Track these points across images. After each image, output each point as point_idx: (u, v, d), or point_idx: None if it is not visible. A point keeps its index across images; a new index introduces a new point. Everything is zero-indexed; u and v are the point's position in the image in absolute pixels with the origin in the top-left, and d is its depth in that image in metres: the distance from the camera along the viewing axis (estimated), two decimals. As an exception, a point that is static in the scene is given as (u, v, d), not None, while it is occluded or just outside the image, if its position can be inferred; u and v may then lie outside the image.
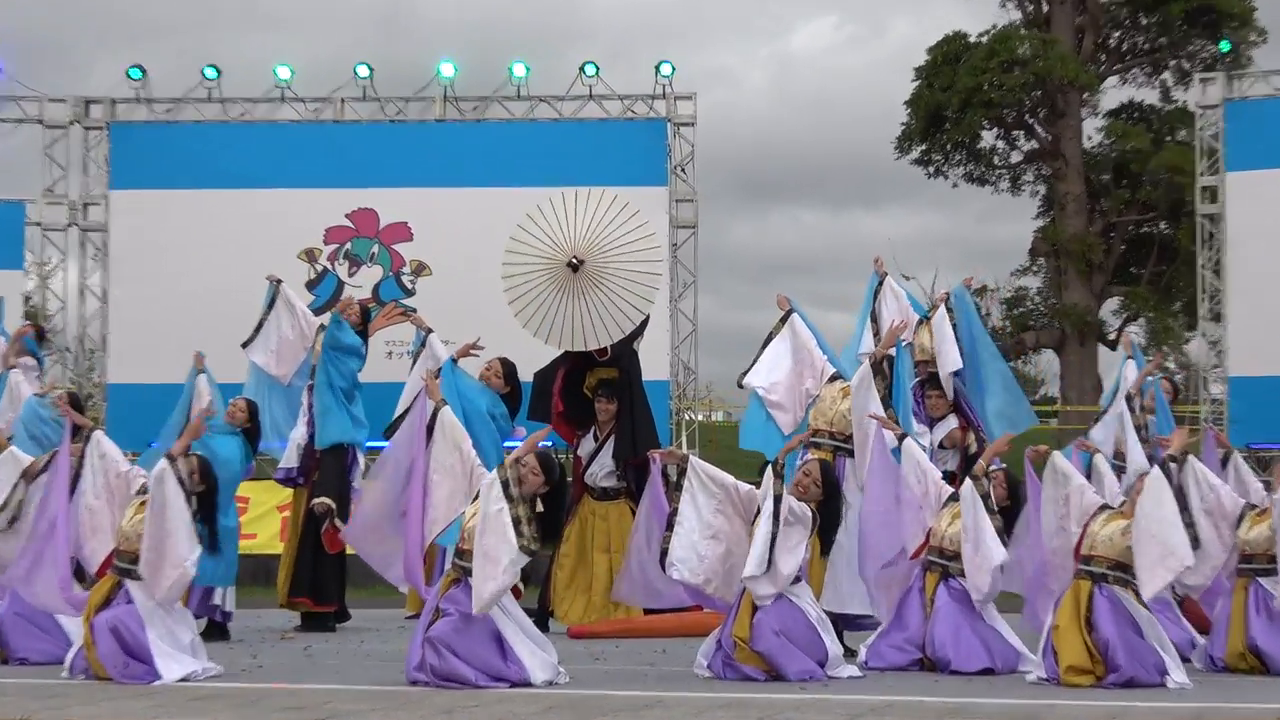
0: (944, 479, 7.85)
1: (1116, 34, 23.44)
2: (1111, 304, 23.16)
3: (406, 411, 8.73)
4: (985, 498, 7.37)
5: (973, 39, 22.32)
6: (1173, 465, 7.06)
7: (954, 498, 7.60)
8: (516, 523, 6.54)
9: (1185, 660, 7.20)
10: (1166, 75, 23.34)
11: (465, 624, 6.60)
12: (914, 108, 22.61)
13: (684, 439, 15.99)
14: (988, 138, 23.19)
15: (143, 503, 7.09)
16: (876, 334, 9.17)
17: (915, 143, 22.87)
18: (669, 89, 16.30)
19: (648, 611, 8.86)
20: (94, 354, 16.88)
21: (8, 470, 7.83)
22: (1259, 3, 21.99)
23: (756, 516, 7.00)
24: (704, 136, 17.77)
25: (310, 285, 15.91)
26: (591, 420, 9.81)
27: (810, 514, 7.06)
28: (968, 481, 7.47)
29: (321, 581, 9.80)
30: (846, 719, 5.62)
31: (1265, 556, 7.36)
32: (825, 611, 7.28)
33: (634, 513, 8.67)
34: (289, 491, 10.45)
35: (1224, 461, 8.30)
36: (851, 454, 8.33)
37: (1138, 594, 6.84)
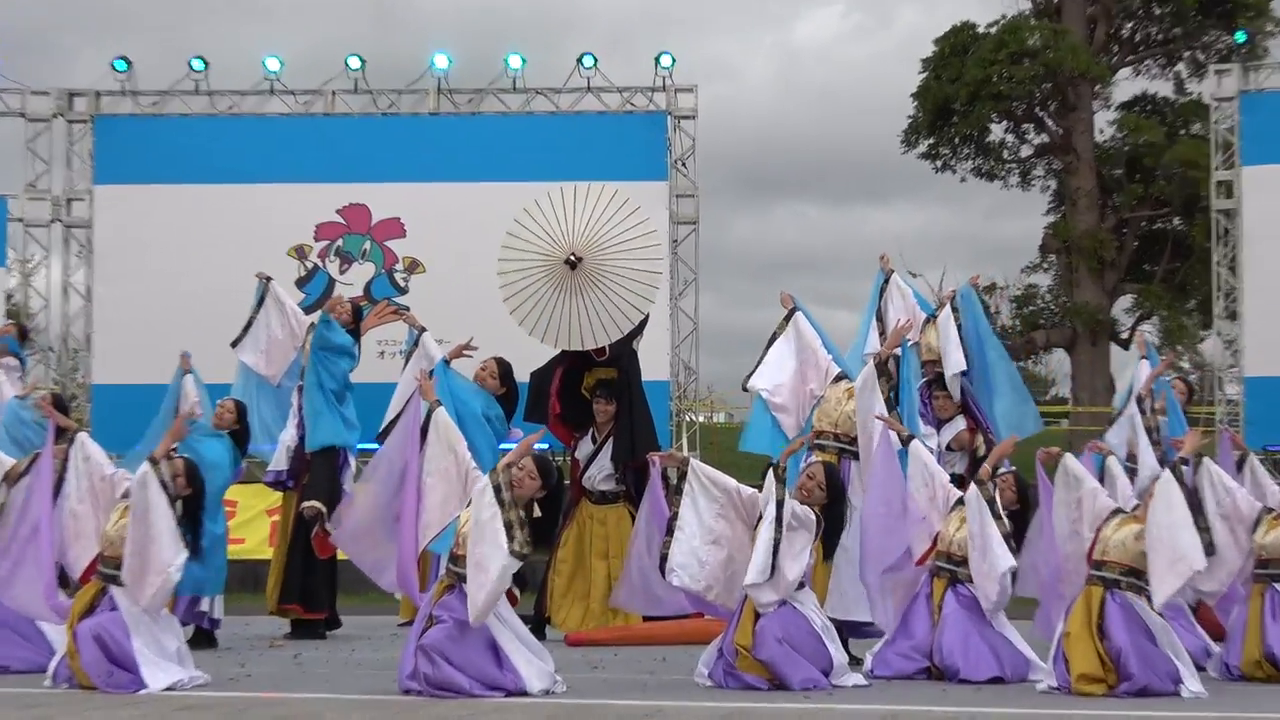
0: (952, 482, 7.85)
1: (1129, 24, 23.42)
2: (1124, 302, 23.15)
3: (400, 415, 8.71)
4: (991, 503, 7.37)
5: (981, 30, 22.30)
6: (1185, 468, 7.05)
7: (962, 501, 7.59)
8: (509, 527, 6.54)
9: (1200, 669, 7.20)
10: (1181, 67, 23.32)
11: (459, 631, 6.60)
12: (921, 100, 22.58)
13: (684, 441, 15.99)
14: (997, 131, 23.16)
15: (127, 507, 7.09)
16: (882, 333, 9.17)
17: (922, 136, 22.84)
18: (669, 81, 16.30)
19: (647, 618, 8.86)
20: (78, 354, 16.87)
21: (-11, 473, 7.82)
22: (1276, -8, 22.00)
23: (759, 521, 6.99)
24: (705, 130, 17.81)
25: (300, 283, 15.91)
26: (589, 422, 9.81)
27: (814, 518, 7.06)
28: (972, 487, 7.46)
29: (312, 588, 9.80)
30: (852, 729, 5.61)
31: (1283, 561, 7.36)
32: (829, 618, 7.28)
33: (633, 517, 8.68)
34: (278, 495, 10.44)
35: (1240, 464, 8.29)
36: (856, 456, 8.32)
37: (1151, 600, 6.83)
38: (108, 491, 7.44)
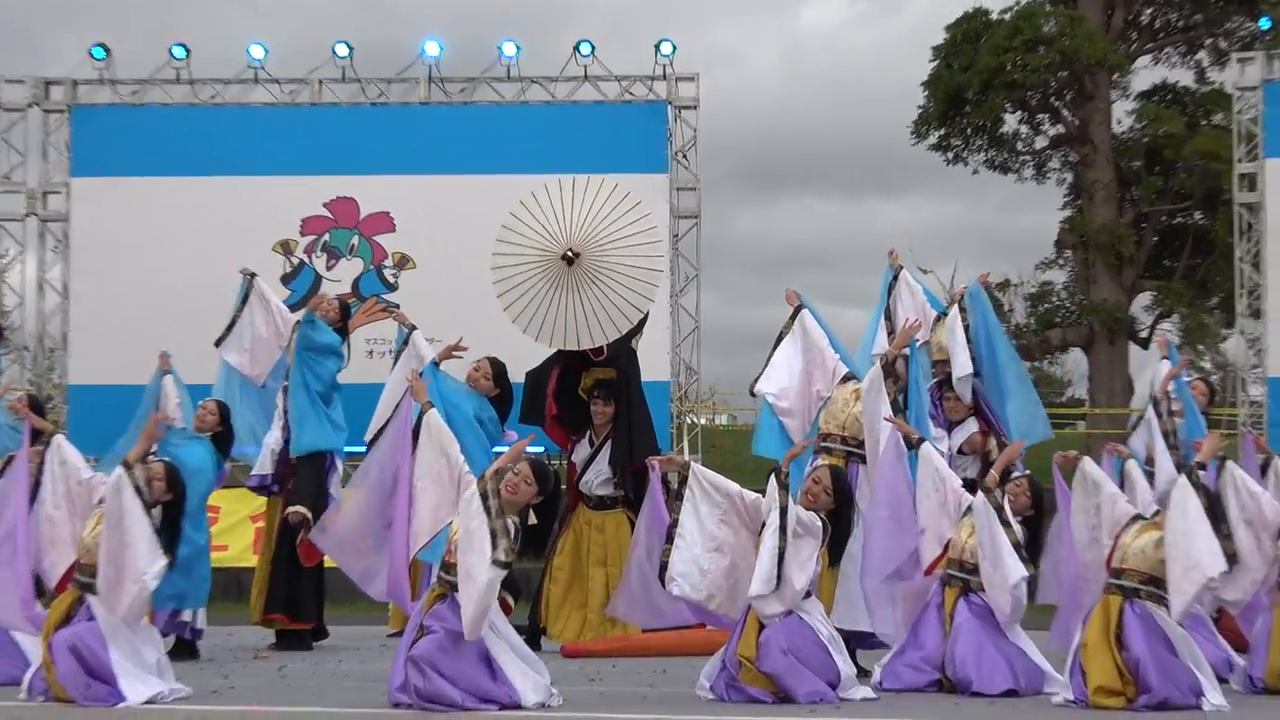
0: (964, 487, 7.84)
1: (1148, 10, 23.44)
2: (1143, 299, 23.17)
3: (391, 418, 8.70)
4: (999, 510, 7.37)
5: (994, 16, 22.32)
6: (1204, 472, 7.05)
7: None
8: (493, 535, 6.52)
9: (1222, 681, 7.20)
10: (1202, 54, 23.36)
11: (451, 642, 6.60)
12: (932, 89, 22.60)
13: (685, 444, 15.99)
14: (1011, 121, 23.19)
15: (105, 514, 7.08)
16: (891, 332, 9.17)
17: (933, 127, 22.86)
18: (670, 69, 16.30)
19: (646, 628, 8.85)
20: (54, 353, 16.85)
21: (-38, 478, 7.81)
22: (1301, -22, 22.01)
23: (763, 528, 6.99)
24: (707, 120, 17.76)
25: (286, 279, 15.91)
26: (587, 424, 9.81)
27: (820, 524, 7.06)
28: (979, 495, 7.46)
29: (297, 597, 9.79)
30: (860, 744, 5.62)
31: (1309, 570, 7.36)
32: (837, 628, 7.28)
33: (632, 523, 8.68)
34: (262, 500, 10.44)
35: (1264, 468, 8.30)
36: (864, 460, 8.33)
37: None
38: (85, 496, 7.44)
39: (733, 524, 7.13)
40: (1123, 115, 23.21)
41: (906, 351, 8.52)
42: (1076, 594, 7.22)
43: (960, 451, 8.97)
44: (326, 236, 16.14)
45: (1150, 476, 8.63)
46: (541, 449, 11.55)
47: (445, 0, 40.52)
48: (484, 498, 6.62)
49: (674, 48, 16.23)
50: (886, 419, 8.02)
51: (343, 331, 10.05)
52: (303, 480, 9.64)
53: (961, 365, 8.97)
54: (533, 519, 6.96)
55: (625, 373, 9.80)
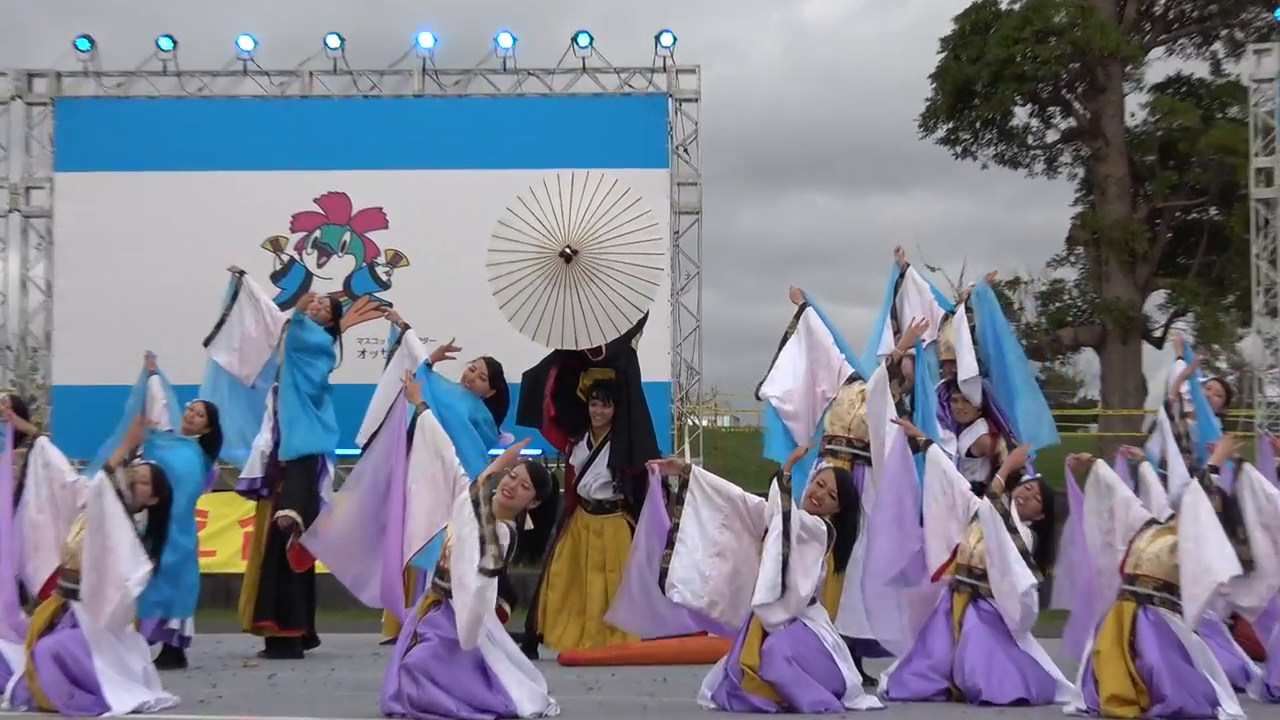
0: (973, 490, 7.84)
1: (1162, 0, 23.44)
2: (1157, 298, 23.16)
3: (385, 421, 8.70)
4: (1006, 516, 7.37)
5: (1004, 6, 22.31)
6: (1216, 475, 7.04)
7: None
8: (482, 542, 6.52)
9: (1239, 690, 7.19)
10: (1218, 46, 23.34)
11: (446, 650, 6.59)
12: (940, 81, 22.59)
13: (686, 446, 16.00)
14: (1021, 115, 23.18)
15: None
16: (897, 332, 9.17)
17: (941, 120, 22.85)
18: (670, 61, 16.32)
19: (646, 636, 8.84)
20: (37, 353, 16.86)
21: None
22: (1320, -34, 22.01)
23: (766, 534, 6.98)
24: (708, 113, 17.80)
25: (275, 277, 15.92)
26: (585, 426, 9.81)
27: (825, 528, 7.06)
28: (985, 501, 7.46)
29: (288, 603, 9.79)
30: (866, 755, 5.62)
31: (1328, 576, 7.35)
32: (842, 636, 7.27)
33: (632, 528, 8.68)
34: (252, 504, 10.43)
35: (1281, 471, 8.29)
36: (870, 462, 8.33)
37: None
38: (68, 500, 7.44)
39: (735, 529, 7.13)
40: (1136, 108, 23.23)
41: (913, 352, 8.51)
42: (1089, 600, 7.22)
43: (969, 454, 8.97)
44: (317, 233, 16.14)
45: (1165, 480, 8.63)
46: (539, 451, 11.57)
47: (439, -11, 40.53)
48: (475, 504, 6.61)
49: (674, 39, 16.26)
50: (893, 421, 8.02)
51: (334, 331, 10.05)
52: (293, 484, 9.64)
53: (966, 368, 8.97)
54: (529, 524, 6.95)
55: (625, 373, 9.79)
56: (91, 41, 16.38)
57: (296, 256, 16.10)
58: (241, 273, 10.47)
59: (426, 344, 10.00)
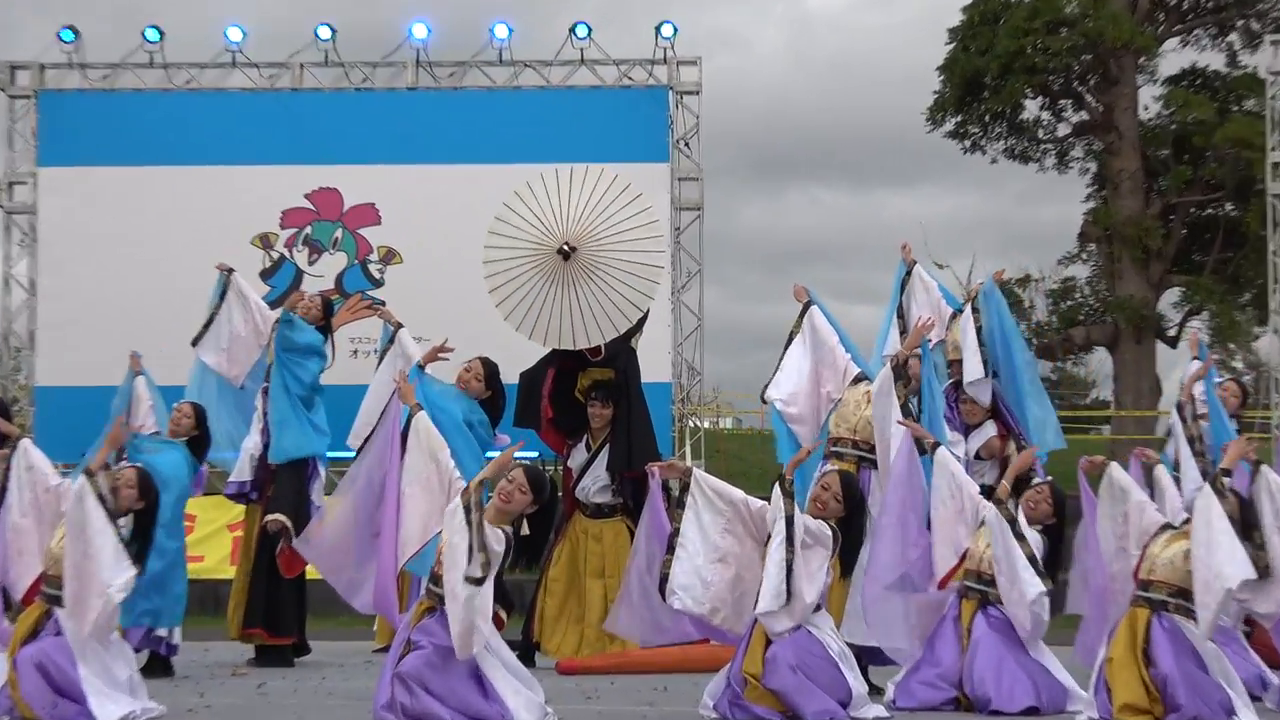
0: (982, 493, 7.84)
1: (1177, -10, 23.48)
2: (1171, 295, 23.19)
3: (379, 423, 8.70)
4: (1013, 523, 7.37)
5: (1014, -4, 22.35)
6: (1227, 478, 7.02)
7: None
8: (470, 550, 6.51)
9: (1255, 699, 7.20)
10: (1233, 36, 23.36)
11: (440, 658, 6.59)
12: (948, 74, 22.62)
13: (687, 449, 16.00)
14: (1031, 108, 23.23)
15: (73, 523, 7.08)
16: (904, 330, 9.17)
17: (949, 113, 22.89)
18: (671, 53, 16.33)
19: (646, 644, 8.85)
20: (20, 352, 16.88)
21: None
22: (1338, -45, 22.03)
23: (769, 539, 6.98)
24: (710, 106, 17.76)
25: (265, 275, 15.93)
26: (584, 427, 9.81)
27: (830, 533, 7.05)
28: (991, 507, 7.46)
29: (278, 610, 9.79)
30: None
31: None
32: (848, 643, 7.27)
33: (631, 532, 8.68)
34: (241, 509, 10.44)
35: (1299, 473, 8.28)
36: (877, 465, 8.33)
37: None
38: (52, 504, 7.43)
39: (737, 533, 7.12)
40: (1150, 101, 23.25)
41: (919, 352, 8.51)
42: (1102, 606, 7.22)
43: (978, 456, 8.97)
44: (308, 230, 16.15)
45: (1179, 483, 8.63)
46: (536, 454, 11.57)
47: (433, -21, 40.46)
48: (467, 510, 6.60)
49: (675, 30, 16.27)
50: (900, 422, 8.02)
51: (326, 330, 10.04)
52: (283, 487, 9.64)
53: (972, 370, 8.97)
54: (525, 529, 6.94)
55: (624, 373, 9.79)
56: (76, 33, 16.38)
57: (287, 254, 16.10)
58: (230, 270, 10.47)
59: (420, 343, 10.00)
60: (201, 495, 10.99)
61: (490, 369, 9.65)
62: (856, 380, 8.70)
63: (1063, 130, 23.59)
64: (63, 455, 9.17)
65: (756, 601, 6.92)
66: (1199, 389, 9.41)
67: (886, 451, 8.12)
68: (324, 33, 16.35)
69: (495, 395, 9.61)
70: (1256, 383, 21.38)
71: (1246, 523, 6.85)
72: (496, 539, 6.60)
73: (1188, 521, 7.09)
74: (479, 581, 6.46)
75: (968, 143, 23.28)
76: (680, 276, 16.17)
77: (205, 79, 16.56)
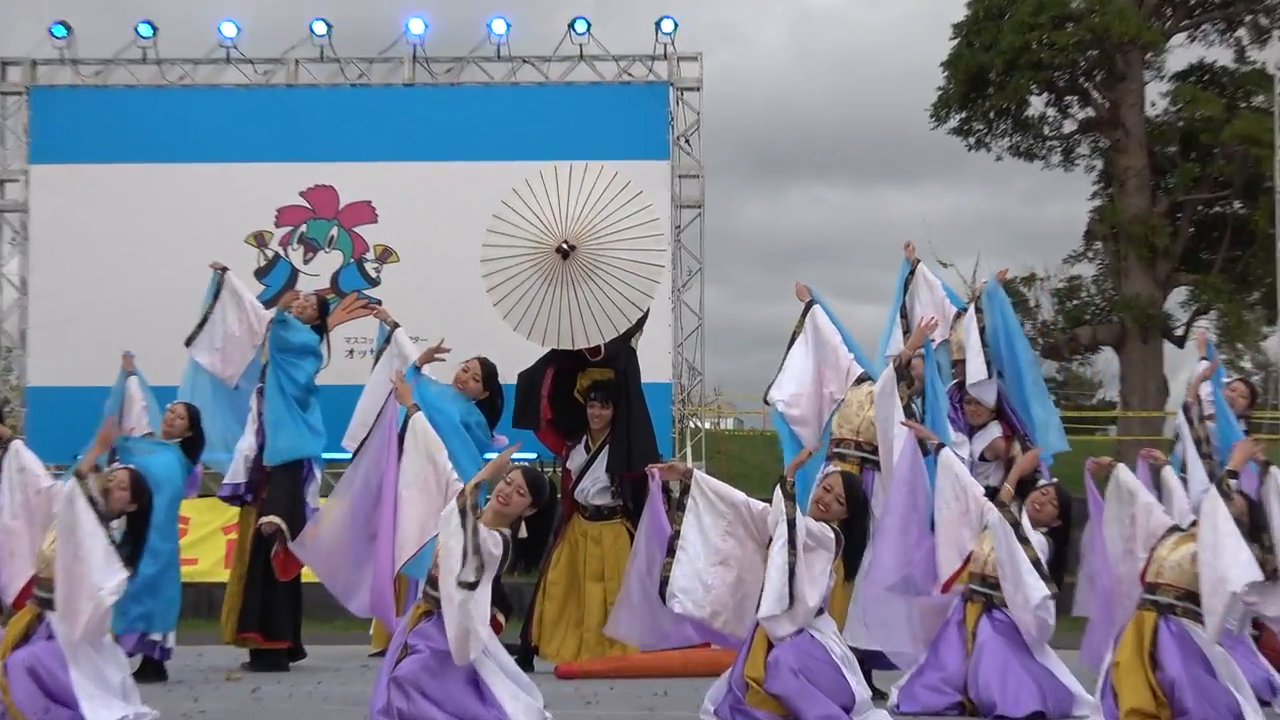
0: (986, 495, 7.84)
1: (1184, -16, 23.47)
2: (1179, 295, 23.19)
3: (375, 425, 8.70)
4: (1016, 526, 7.37)
5: (1019, -9, 22.33)
6: (1233, 481, 7.02)
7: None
8: (464, 555, 6.50)
9: (1264, 704, 7.21)
10: (1242, 32, 23.34)
11: (437, 662, 6.59)
12: (952, 69, 22.61)
13: (688, 450, 16.00)
14: (1036, 104, 23.21)
15: (64, 526, 7.08)
16: (908, 330, 9.17)
17: (953, 110, 22.88)
18: (671, 48, 16.33)
19: (646, 648, 8.84)
20: (11, 352, 16.88)
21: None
22: (1348, -51, 22.03)
23: (771, 543, 6.98)
24: (711, 103, 17.80)
25: (260, 274, 15.93)
26: (583, 428, 9.81)
27: (832, 535, 7.05)
28: (994, 510, 7.45)
29: (273, 614, 9.79)
30: (876, 772, 5.62)
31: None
32: (850, 647, 7.27)
33: (631, 535, 8.68)
34: (234, 511, 10.44)
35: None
36: (880, 466, 8.33)
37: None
38: (44, 506, 7.43)
39: (739, 536, 7.12)
40: (1156, 97, 23.24)
41: (922, 352, 8.52)
42: (1109, 610, 7.22)
43: (982, 458, 8.96)
44: (303, 228, 16.15)
45: (1187, 485, 8.63)
46: (534, 455, 11.57)
47: (430, -26, 40.48)
48: (462, 513, 6.60)
49: (675, 25, 16.27)
50: (903, 423, 8.01)
51: (321, 329, 10.04)
52: (278, 489, 9.64)
53: (974, 371, 8.96)
54: (523, 531, 6.94)
55: (624, 374, 9.79)
56: (68, 28, 16.39)
57: (282, 252, 16.10)
58: (224, 269, 10.47)
59: (417, 343, 10.01)
60: (195, 497, 10.99)
61: (488, 369, 9.65)
62: (859, 381, 8.70)
63: (1068, 127, 23.61)
64: (55, 456, 9.21)
65: (758, 605, 6.92)
66: (1205, 390, 9.41)
67: (889, 453, 8.13)
68: (319, 28, 16.36)
69: (493, 396, 9.61)
70: (1265, 383, 21.38)
71: (1255, 525, 6.84)
72: (494, 542, 6.59)
73: (1195, 524, 7.08)
74: (472, 586, 6.46)
75: (972, 139, 23.28)
76: (681, 275, 16.18)
77: (199, 75, 16.56)
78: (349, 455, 8.84)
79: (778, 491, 7.01)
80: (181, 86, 16.48)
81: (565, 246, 9.20)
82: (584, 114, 15.94)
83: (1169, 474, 7.84)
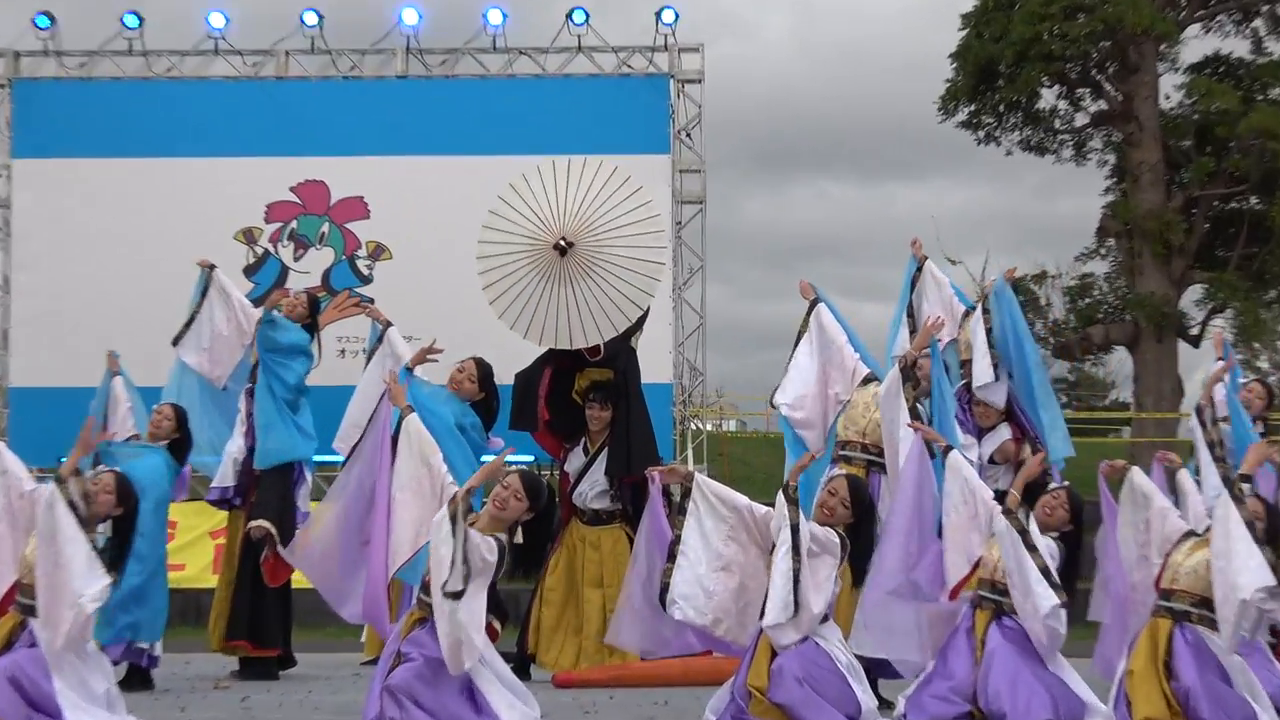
0: (995, 499, 7.83)
1: (1199, -26, 23.47)
2: (1193, 292, 23.20)
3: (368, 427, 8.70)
4: (1024, 534, 7.36)
5: (1030, -19, 22.34)
6: (1246, 485, 7.02)
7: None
8: (451, 563, 6.49)
9: (1281, 712, 7.19)
10: (1258, 23, 23.35)
11: (431, 671, 6.59)
12: (960, 61, 22.62)
13: (689, 452, 16.01)
14: (1048, 97, 23.22)
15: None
16: (914, 329, 9.17)
17: (962, 102, 22.88)
18: (671, 39, 16.34)
19: (647, 656, 8.85)
20: (-7, 352, 16.88)
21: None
22: (1367, -63, 22.04)
23: (774, 549, 6.98)
24: (713, 95, 17.84)
25: (249, 271, 15.94)
26: (581, 430, 9.81)
27: (837, 540, 7.05)
28: (1001, 518, 7.44)
29: (262, 621, 9.79)
30: (882, 783, 5.62)
31: (1375, 591, 7.34)
32: (856, 655, 7.27)
33: (631, 540, 8.68)
34: (223, 515, 10.44)
35: (1326, 478, 8.29)
36: (886, 469, 8.33)
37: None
38: (27, 510, 7.41)
39: (741, 541, 7.12)
40: (1171, 90, 23.24)
41: (929, 352, 8.51)
42: (1123, 616, 7.22)
43: (991, 460, 8.96)
44: (294, 224, 16.16)
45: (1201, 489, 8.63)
46: (531, 458, 11.56)
47: (424, -37, 40.52)
48: (453, 520, 6.58)
49: (676, 16, 16.28)
50: (909, 425, 8.01)
51: (312, 328, 10.04)
52: (267, 493, 9.64)
53: (981, 373, 8.95)
54: (519, 537, 6.94)
55: (624, 374, 9.80)
56: (51, 18, 16.39)
57: (271, 249, 16.11)
58: (212, 267, 10.47)
59: (410, 343, 10.00)
60: (183, 500, 10.99)
61: (484, 370, 9.64)
62: (865, 381, 8.70)
63: (1080, 120, 23.61)
64: (38, 459, 9.18)
65: (762, 612, 6.92)
66: (1219, 391, 9.41)
67: (895, 455, 8.12)
68: (310, 19, 16.36)
69: (489, 397, 9.60)
70: (1282, 383, 21.37)
71: (1272, 529, 6.84)
72: (489, 548, 6.58)
73: (1209, 529, 7.08)
74: (457, 595, 6.44)
75: (981, 133, 23.29)
76: (682, 273, 16.18)
77: (186, 67, 16.57)
78: (340, 458, 8.83)
79: (780, 496, 7.01)
80: (168, 79, 16.49)
81: (563, 243, 9.20)
82: (583, 107, 15.95)
83: (1184, 477, 7.83)
